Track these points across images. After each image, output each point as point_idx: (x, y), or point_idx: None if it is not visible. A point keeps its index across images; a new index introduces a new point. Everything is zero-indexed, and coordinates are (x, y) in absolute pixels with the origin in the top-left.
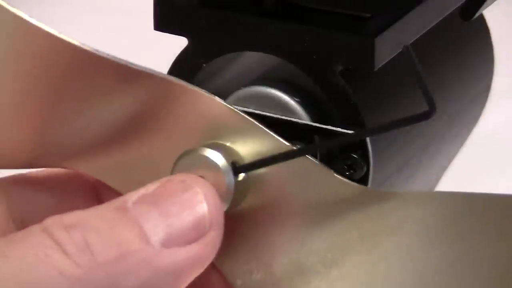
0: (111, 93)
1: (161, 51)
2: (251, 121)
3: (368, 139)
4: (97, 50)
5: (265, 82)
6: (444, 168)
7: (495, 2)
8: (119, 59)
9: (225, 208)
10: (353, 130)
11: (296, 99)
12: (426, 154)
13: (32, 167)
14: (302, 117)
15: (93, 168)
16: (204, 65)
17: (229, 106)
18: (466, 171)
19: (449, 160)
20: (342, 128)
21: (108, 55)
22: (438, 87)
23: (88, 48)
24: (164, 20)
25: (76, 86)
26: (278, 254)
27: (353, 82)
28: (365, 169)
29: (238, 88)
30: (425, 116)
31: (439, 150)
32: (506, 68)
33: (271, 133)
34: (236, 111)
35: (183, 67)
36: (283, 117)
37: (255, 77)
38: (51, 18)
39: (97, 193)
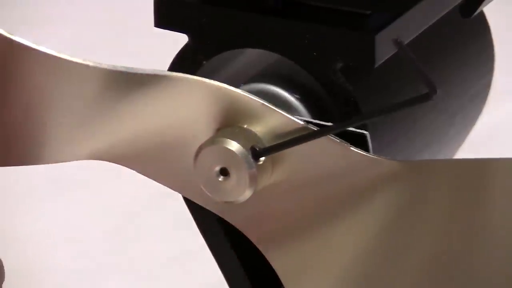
0: (131, 100)
1: (161, 48)
2: (261, 102)
3: (368, 137)
4: (121, 67)
5: (266, 79)
6: None
7: (495, 0)
8: (126, 67)
9: (251, 193)
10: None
11: (296, 96)
12: (428, 153)
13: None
14: (302, 114)
15: (125, 159)
16: (205, 62)
17: (239, 90)
18: None
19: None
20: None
21: (123, 67)
22: (438, 84)
23: (120, 69)
24: (165, 17)
25: (107, 100)
26: (310, 229)
27: (353, 79)
28: None
29: (239, 85)
30: (427, 97)
31: (440, 148)
32: (506, 65)
33: (283, 112)
34: (247, 95)
35: (183, 64)
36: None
37: (255, 74)
38: (48, 16)
39: None
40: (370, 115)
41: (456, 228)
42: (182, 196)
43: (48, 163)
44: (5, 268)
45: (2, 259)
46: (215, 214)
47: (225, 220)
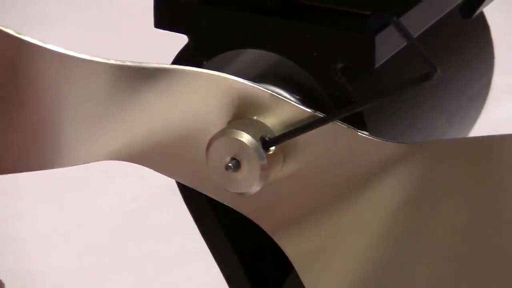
0: (140, 94)
1: (160, 49)
2: (270, 93)
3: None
4: (127, 61)
5: (266, 80)
6: None
7: (494, 0)
8: (136, 62)
9: (263, 183)
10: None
11: (297, 96)
12: None
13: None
14: None
15: (139, 156)
16: (205, 62)
17: (248, 82)
18: None
19: None
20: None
21: (132, 62)
22: (438, 84)
23: (128, 64)
24: (165, 18)
25: (119, 95)
26: (323, 215)
27: (353, 80)
28: None
29: None
30: (428, 76)
31: None
32: (506, 66)
33: (292, 102)
34: (255, 86)
35: (183, 64)
36: None
37: (255, 75)
38: (49, 16)
39: None
40: (379, 96)
41: (468, 206)
42: (183, 197)
43: (66, 166)
44: (5, 268)
45: (2, 259)
46: (216, 215)
47: (225, 221)
